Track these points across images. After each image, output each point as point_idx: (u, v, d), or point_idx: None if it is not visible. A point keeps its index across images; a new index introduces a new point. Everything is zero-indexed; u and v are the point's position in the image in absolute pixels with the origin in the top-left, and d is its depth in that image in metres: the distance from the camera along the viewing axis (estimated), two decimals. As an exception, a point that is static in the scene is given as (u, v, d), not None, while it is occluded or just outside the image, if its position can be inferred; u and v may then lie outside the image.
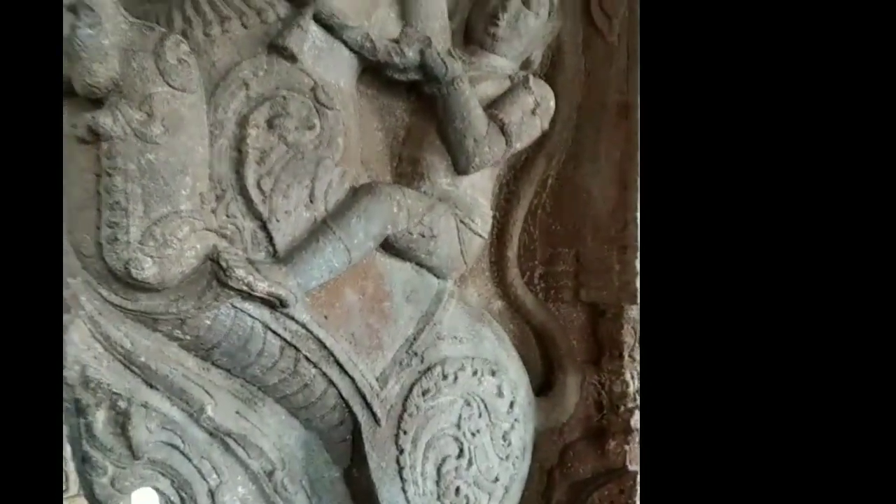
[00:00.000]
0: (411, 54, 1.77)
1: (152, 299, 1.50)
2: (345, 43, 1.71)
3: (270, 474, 1.70)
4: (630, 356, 2.05)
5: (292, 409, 1.75)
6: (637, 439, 2.01)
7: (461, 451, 1.88)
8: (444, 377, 1.85)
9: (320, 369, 1.69)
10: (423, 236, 1.80)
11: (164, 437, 1.57)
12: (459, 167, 1.89)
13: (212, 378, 1.65)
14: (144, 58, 1.44)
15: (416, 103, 1.94)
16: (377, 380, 1.77)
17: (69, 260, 1.46)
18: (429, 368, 1.84)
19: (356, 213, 1.68)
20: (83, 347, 1.48)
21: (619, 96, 2.00)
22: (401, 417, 1.80)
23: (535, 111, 1.93)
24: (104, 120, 1.41)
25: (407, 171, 1.92)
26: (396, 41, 1.77)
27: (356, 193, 1.72)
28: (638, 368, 2.02)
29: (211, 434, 1.63)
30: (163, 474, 1.59)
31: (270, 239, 1.61)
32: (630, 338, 2.04)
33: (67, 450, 1.59)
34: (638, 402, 2.01)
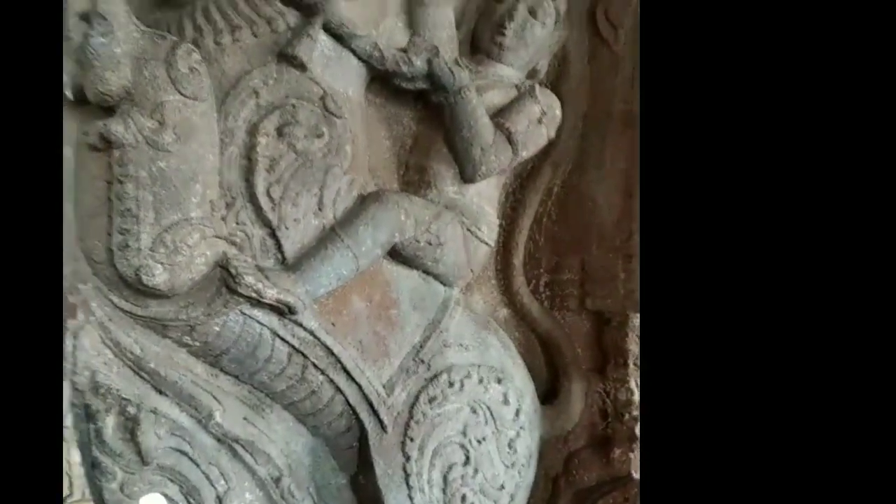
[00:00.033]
0: (419, 63, 1.78)
1: (162, 306, 1.51)
2: (353, 52, 1.73)
3: (277, 480, 1.70)
4: (635, 364, 2.05)
5: (299, 415, 1.76)
6: (641, 447, 2.02)
7: (467, 458, 1.88)
8: (451, 385, 1.86)
9: (328, 376, 1.69)
10: (430, 244, 1.81)
11: (172, 442, 1.57)
12: (466, 175, 1.90)
13: (220, 384, 1.66)
14: (156, 66, 1.46)
15: (424, 112, 1.95)
16: (384, 387, 1.78)
17: (80, 266, 1.48)
18: (435, 376, 1.85)
19: (364, 220, 1.69)
20: (93, 353, 1.49)
21: (625, 105, 2.01)
22: (407, 425, 1.81)
23: (541, 120, 1.94)
24: (116, 127, 1.42)
25: (414, 180, 1.93)
26: (404, 50, 1.78)
27: (364, 201, 1.73)
28: (642, 377, 2.03)
29: (219, 440, 1.64)
30: (171, 480, 1.59)
31: (279, 246, 1.62)
32: (635, 346, 2.05)
33: (71, 454, 1.59)
34: (642, 410, 2.02)
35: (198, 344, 1.58)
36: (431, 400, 1.83)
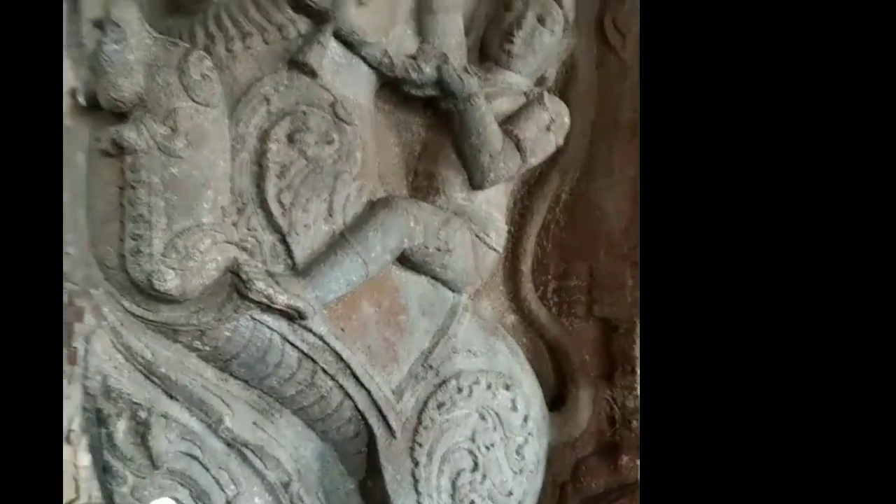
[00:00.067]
0: (428, 70, 1.79)
1: (173, 310, 1.52)
2: (363, 59, 1.74)
3: (287, 485, 1.70)
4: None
5: (309, 420, 1.76)
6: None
7: (476, 464, 1.88)
8: (459, 390, 1.86)
9: (337, 381, 1.70)
10: (439, 250, 1.81)
11: (183, 447, 1.58)
12: (475, 182, 1.90)
13: (230, 389, 1.67)
14: (169, 73, 1.47)
15: (433, 119, 1.96)
16: (393, 392, 1.78)
17: (92, 271, 1.49)
18: (444, 382, 1.85)
19: (374, 226, 1.70)
20: (105, 357, 1.50)
21: (633, 113, 2.02)
22: (416, 430, 1.81)
23: (549, 127, 1.95)
24: (129, 134, 1.44)
25: (423, 186, 1.94)
26: (414, 57, 1.79)
27: (373, 207, 1.74)
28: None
29: (229, 445, 1.64)
30: (182, 484, 1.60)
31: (290, 252, 1.63)
32: (642, 353, 2.05)
33: (79, 457, 1.59)
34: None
35: (208, 348, 1.59)
36: (440, 406, 1.84)
